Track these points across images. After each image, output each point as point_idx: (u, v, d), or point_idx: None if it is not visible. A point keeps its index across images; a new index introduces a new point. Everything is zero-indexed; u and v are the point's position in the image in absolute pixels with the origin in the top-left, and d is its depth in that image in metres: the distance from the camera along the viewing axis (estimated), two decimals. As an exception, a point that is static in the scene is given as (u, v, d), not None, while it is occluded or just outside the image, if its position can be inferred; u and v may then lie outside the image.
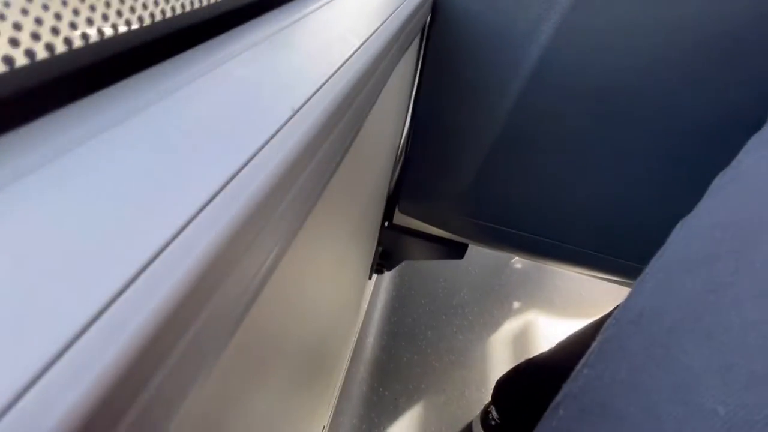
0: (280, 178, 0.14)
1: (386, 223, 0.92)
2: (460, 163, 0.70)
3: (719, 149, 0.51)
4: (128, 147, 0.13)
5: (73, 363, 0.08)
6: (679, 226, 0.26)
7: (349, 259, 0.57)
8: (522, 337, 1.23)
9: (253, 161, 0.14)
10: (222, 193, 0.12)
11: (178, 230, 0.11)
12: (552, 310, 1.34)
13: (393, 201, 0.85)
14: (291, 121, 0.16)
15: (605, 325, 0.25)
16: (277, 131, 0.15)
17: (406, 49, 0.40)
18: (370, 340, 1.14)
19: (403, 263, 1.02)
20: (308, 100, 0.18)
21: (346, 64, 0.22)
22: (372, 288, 1.22)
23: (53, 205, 0.11)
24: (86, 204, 0.11)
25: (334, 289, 0.50)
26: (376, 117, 0.38)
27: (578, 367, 0.25)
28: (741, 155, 0.25)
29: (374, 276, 1.07)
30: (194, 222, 0.11)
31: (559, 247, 0.78)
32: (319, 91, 0.18)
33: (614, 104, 0.52)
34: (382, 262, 1.01)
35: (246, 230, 0.12)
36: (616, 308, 0.52)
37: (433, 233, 0.92)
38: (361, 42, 0.24)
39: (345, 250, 0.49)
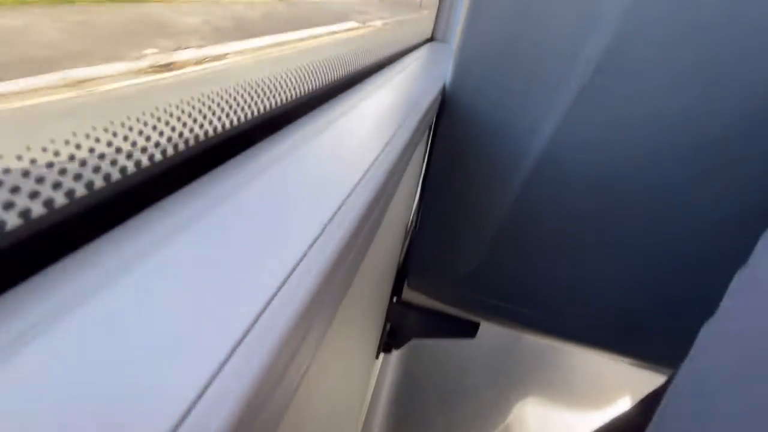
0: (318, 288, 0.14)
1: (395, 299, 0.91)
2: (468, 241, 0.71)
3: (730, 240, 0.52)
4: (169, 274, 0.14)
5: None
6: (705, 329, 0.25)
7: (359, 337, 0.55)
8: (540, 425, 1.14)
9: (296, 271, 0.14)
10: (270, 307, 0.13)
11: (228, 354, 0.11)
12: (570, 393, 1.25)
13: (402, 276, 0.85)
14: (324, 232, 0.17)
15: None
16: (313, 243, 0.16)
17: (418, 143, 0.43)
18: (377, 425, 1.05)
19: (411, 341, 0.98)
20: (339, 208, 0.19)
21: (369, 171, 0.23)
22: (379, 368, 1.16)
23: (128, 317, 0.11)
24: (139, 329, 0.12)
25: (342, 371, 0.48)
26: (392, 204, 0.40)
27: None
28: (757, 253, 0.25)
29: (381, 355, 1.03)
30: (242, 344, 0.12)
31: (573, 327, 0.75)
32: (348, 200, 0.20)
33: (617, 194, 0.54)
34: (390, 340, 0.97)
35: (290, 342, 0.13)
36: (644, 401, 0.49)
37: (443, 310, 0.90)
38: (380, 149, 0.27)
39: (355, 329, 0.48)
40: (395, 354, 1.28)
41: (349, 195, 0.20)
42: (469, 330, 0.91)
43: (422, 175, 0.70)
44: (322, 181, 0.21)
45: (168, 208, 0.17)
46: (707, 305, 0.28)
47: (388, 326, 0.94)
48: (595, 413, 1.20)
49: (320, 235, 0.17)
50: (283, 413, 0.14)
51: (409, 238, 0.83)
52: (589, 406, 1.22)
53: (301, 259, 0.15)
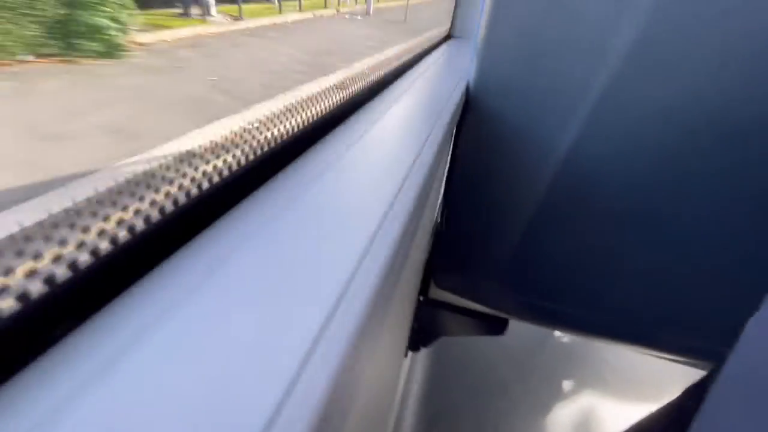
0: (372, 295, 0.15)
1: (422, 298, 0.91)
2: (495, 236, 0.70)
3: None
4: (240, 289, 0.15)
5: None
6: (751, 323, 0.25)
7: (387, 337, 0.56)
8: (574, 421, 1.12)
9: (348, 291, 0.15)
10: (326, 329, 0.14)
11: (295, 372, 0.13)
12: (605, 389, 1.22)
13: (428, 274, 0.85)
14: (371, 247, 0.18)
15: None
16: (362, 260, 0.17)
17: (445, 146, 0.43)
18: (408, 423, 1.06)
19: (439, 338, 0.98)
20: (383, 219, 0.19)
21: (405, 183, 0.24)
22: (408, 367, 1.17)
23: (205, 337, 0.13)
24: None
25: (373, 370, 0.49)
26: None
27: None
28: None
29: (409, 353, 1.03)
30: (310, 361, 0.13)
31: (606, 323, 0.73)
32: (389, 212, 0.20)
33: (651, 189, 0.52)
34: (417, 338, 0.98)
35: (358, 343, 0.14)
36: (686, 395, 0.47)
37: (470, 307, 0.89)
38: (412, 160, 0.27)
39: (384, 329, 0.49)
40: (423, 352, 1.28)
41: (390, 208, 0.21)
42: (497, 327, 0.90)
43: (446, 174, 0.69)
44: (362, 197, 0.22)
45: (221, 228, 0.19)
46: (747, 297, 0.27)
47: (416, 325, 0.94)
48: (629, 407, 1.17)
49: (369, 248, 0.18)
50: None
51: (434, 236, 0.82)
52: (623, 401, 1.19)
53: (355, 271, 0.16)
